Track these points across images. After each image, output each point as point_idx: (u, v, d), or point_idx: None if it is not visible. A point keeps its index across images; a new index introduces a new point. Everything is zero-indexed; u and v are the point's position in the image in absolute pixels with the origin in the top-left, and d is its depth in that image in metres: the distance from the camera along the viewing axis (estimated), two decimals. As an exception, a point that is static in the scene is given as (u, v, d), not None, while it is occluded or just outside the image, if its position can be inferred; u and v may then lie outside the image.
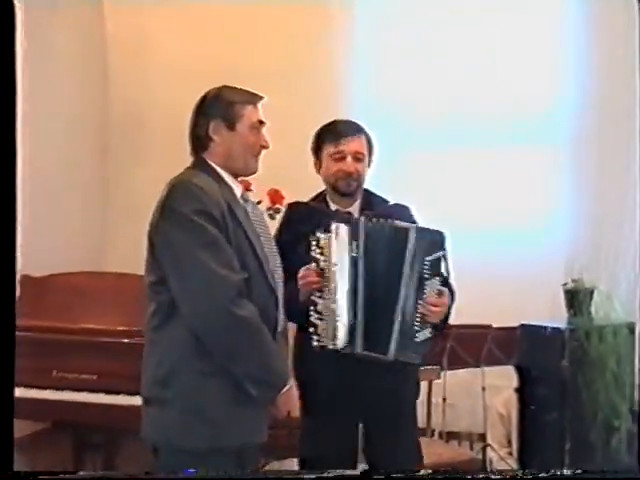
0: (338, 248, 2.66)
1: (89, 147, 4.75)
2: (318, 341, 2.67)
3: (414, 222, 2.86)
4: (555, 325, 3.65)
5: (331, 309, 2.65)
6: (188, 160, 2.57)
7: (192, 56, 4.74)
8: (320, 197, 2.94)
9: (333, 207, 2.90)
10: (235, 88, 2.54)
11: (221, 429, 2.36)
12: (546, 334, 3.63)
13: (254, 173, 2.55)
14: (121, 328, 3.54)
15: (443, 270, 2.72)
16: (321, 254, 2.68)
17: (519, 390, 3.72)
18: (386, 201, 2.95)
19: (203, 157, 2.50)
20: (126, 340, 3.48)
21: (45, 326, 3.54)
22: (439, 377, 4.00)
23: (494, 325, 3.99)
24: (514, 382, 3.72)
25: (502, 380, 4.02)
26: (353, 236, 2.67)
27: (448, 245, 2.72)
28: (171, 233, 2.34)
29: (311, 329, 2.67)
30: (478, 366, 3.99)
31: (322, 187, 3.00)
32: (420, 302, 2.66)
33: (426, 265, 2.66)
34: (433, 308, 2.68)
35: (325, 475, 2.44)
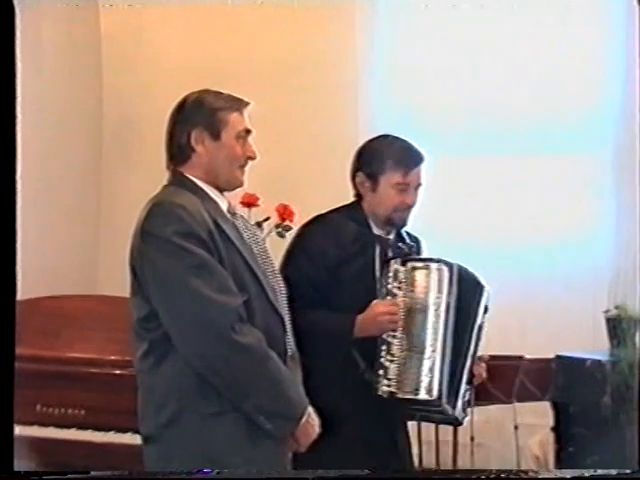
0: (436, 290, 2.61)
1: (80, 156, 4.63)
2: (388, 386, 2.57)
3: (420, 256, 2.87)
4: (595, 357, 3.58)
5: (417, 356, 2.58)
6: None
7: (192, 56, 4.60)
8: (354, 214, 2.80)
9: (376, 231, 2.79)
10: (218, 92, 2.41)
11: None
12: (585, 367, 3.56)
13: (240, 187, 2.43)
14: (113, 357, 3.39)
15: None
16: (399, 289, 2.61)
17: (555, 429, 3.65)
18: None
19: (181, 171, 2.36)
20: (118, 371, 3.33)
21: (29, 355, 3.28)
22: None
23: (527, 356, 3.82)
24: (550, 420, 3.64)
25: (537, 418, 3.90)
26: (451, 280, 2.62)
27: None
28: (155, 260, 2.21)
29: (380, 372, 2.58)
30: (509, 402, 3.82)
31: (335, 200, 2.86)
32: (476, 361, 2.71)
33: (482, 325, 2.71)
34: (482, 369, 2.75)
35: (328, 475, 2.39)
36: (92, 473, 2.31)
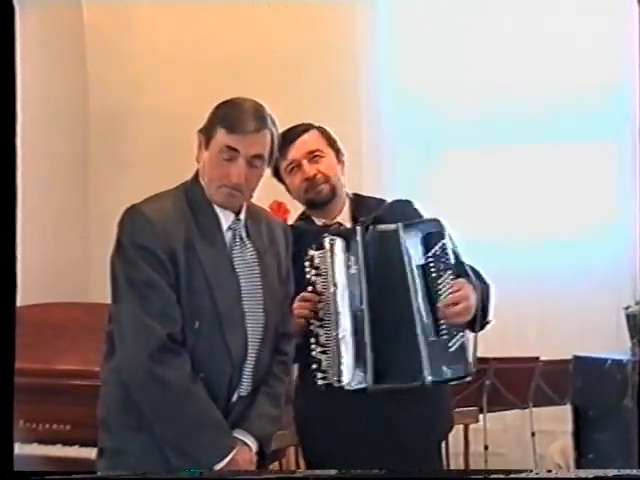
0: (335, 266, 2.59)
1: (66, 154, 4.67)
2: (323, 379, 2.59)
3: (420, 216, 2.80)
4: (616, 356, 3.55)
5: (334, 338, 2.57)
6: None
7: (186, 46, 4.69)
8: (304, 216, 2.90)
9: (319, 222, 2.83)
10: (243, 103, 2.38)
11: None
12: (605, 367, 3.54)
13: (224, 207, 2.40)
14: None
15: (452, 260, 2.62)
16: (317, 275, 2.62)
17: (575, 435, 3.62)
18: (382, 201, 2.87)
19: (198, 173, 2.42)
20: None
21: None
22: (477, 420, 3.91)
23: (542, 358, 3.91)
24: (570, 426, 3.62)
25: (556, 423, 3.93)
26: (348, 249, 2.60)
27: (451, 231, 2.64)
28: (113, 263, 2.36)
29: (314, 365, 2.60)
30: (525, 407, 3.91)
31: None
32: (438, 306, 2.57)
33: (430, 262, 2.59)
34: (453, 308, 2.56)
35: (328, 475, 2.41)
36: (100, 473, 2.43)
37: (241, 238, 2.42)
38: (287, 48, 4.60)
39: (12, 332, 2.41)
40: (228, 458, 2.31)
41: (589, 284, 4.31)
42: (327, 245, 2.60)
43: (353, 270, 2.59)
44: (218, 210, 2.39)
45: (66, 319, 3.80)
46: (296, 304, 2.61)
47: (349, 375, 2.55)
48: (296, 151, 2.78)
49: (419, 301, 2.57)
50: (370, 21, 4.62)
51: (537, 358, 3.88)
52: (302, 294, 2.62)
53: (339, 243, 2.59)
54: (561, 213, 4.41)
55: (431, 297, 2.58)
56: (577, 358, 3.65)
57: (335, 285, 2.58)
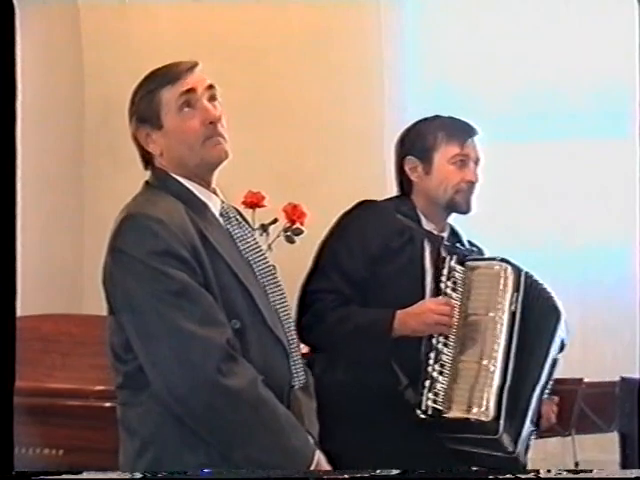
0: (506, 295, 2.59)
1: (58, 151, 4.63)
2: (435, 402, 2.49)
3: None
4: None
5: (472, 368, 2.54)
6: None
7: (190, 30, 4.59)
8: (401, 206, 2.78)
9: (427, 226, 2.76)
10: (157, 70, 2.28)
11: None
12: None
13: (221, 160, 2.27)
14: (99, 388, 3.31)
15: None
16: (454, 290, 2.59)
17: (623, 466, 3.57)
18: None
19: (162, 168, 2.27)
20: (105, 404, 3.20)
21: (-4, 386, 3.33)
22: (514, 449, 3.81)
23: (586, 379, 3.80)
24: (618, 455, 3.57)
25: (603, 453, 3.88)
26: (517, 286, 2.61)
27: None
28: (125, 284, 2.16)
29: (426, 383, 2.51)
30: (567, 434, 3.80)
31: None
32: (545, 399, 2.68)
33: (556, 361, 2.71)
34: (553, 408, 2.75)
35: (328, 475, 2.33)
36: (100, 473, 2.35)
37: (237, 220, 2.35)
38: (307, 36, 4.53)
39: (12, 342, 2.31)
40: (315, 461, 2.20)
41: (634, 296, 4.10)
42: (497, 269, 2.62)
43: (514, 307, 2.59)
44: (203, 197, 2.27)
45: (57, 332, 3.70)
46: (435, 306, 2.58)
47: (482, 410, 2.50)
48: (472, 149, 2.74)
49: (542, 381, 2.65)
50: (397, 7, 4.58)
51: (580, 380, 3.78)
52: (441, 299, 2.59)
53: (512, 274, 2.60)
54: (609, 214, 4.34)
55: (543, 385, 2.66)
56: (624, 380, 3.61)
57: (491, 313, 2.58)
